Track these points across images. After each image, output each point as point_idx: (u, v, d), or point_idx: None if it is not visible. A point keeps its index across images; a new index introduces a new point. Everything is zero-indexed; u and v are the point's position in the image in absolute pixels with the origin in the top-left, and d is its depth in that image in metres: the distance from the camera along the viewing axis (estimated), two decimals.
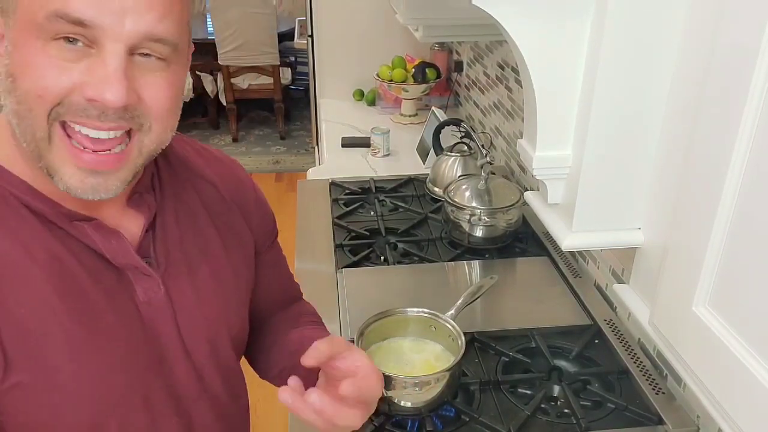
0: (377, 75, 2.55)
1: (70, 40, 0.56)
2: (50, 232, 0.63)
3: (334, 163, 2.19)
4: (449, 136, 1.95)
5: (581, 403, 1.07)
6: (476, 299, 1.18)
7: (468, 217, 1.51)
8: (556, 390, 1.11)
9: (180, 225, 0.74)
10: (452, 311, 1.11)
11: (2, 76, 0.59)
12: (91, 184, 0.60)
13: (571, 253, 1.49)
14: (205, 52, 4.57)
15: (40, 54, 0.56)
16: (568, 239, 0.90)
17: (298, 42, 3.36)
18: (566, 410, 1.06)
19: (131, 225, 0.70)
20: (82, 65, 0.57)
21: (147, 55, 0.59)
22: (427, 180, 1.86)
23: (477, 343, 1.21)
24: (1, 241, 0.60)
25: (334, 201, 1.80)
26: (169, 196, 0.74)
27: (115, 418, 0.67)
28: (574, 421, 1.03)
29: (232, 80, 4.57)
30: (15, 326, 0.59)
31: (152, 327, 0.69)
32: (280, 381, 0.91)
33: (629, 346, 1.19)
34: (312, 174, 2.08)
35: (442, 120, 1.98)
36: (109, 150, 0.60)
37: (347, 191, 1.86)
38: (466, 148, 1.81)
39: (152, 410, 0.70)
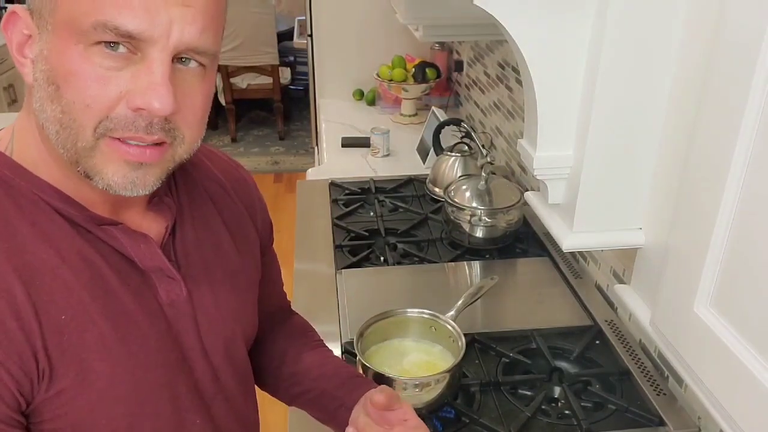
0: (377, 75, 2.55)
1: (111, 45, 0.56)
2: (80, 236, 0.64)
3: (333, 164, 2.18)
4: (449, 136, 1.95)
5: (582, 404, 1.06)
6: (476, 300, 1.17)
7: (468, 217, 1.51)
8: (557, 391, 1.10)
9: (196, 227, 0.75)
10: (452, 312, 1.10)
11: (42, 83, 0.58)
12: (131, 178, 0.60)
13: (572, 253, 1.49)
14: None
15: (84, 61, 0.56)
16: (568, 240, 0.90)
17: (298, 41, 3.36)
18: (567, 411, 1.06)
19: (152, 228, 0.71)
20: (127, 73, 0.57)
21: (187, 60, 0.60)
22: (427, 180, 1.85)
23: (477, 344, 1.20)
24: (38, 246, 0.61)
25: (334, 201, 1.79)
26: (184, 198, 0.75)
27: (147, 416, 0.68)
28: (575, 423, 1.03)
29: (231, 80, 4.57)
30: (58, 334, 0.60)
31: (175, 327, 0.70)
32: (299, 402, 0.91)
33: (630, 347, 1.19)
34: (311, 174, 2.07)
35: (442, 120, 1.97)
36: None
37: (347, 191, 1.85)
38: (466, 148, 1.80)
39: (179, 409, 0.71)
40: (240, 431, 0.82)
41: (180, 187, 0.75)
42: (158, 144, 0.60)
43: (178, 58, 0.59)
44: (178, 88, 0.58)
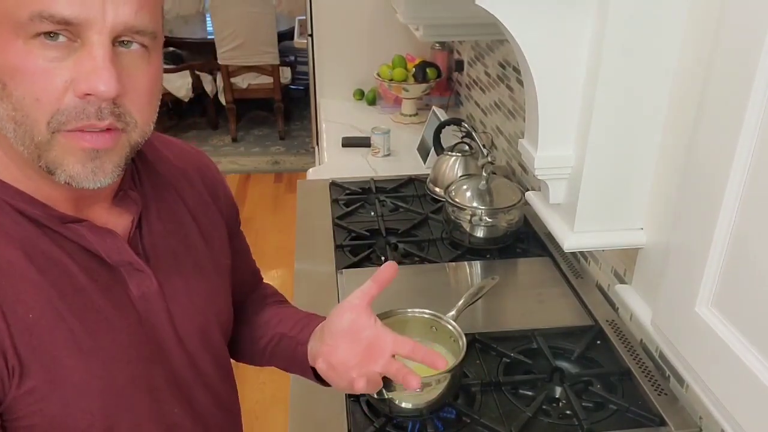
0: (377, 74, 2.55)
1: (51, 35, 0.56)
2: (46, 236, 0.64)
3: (334, 163, 2.18)
4: (450, 135, 1.95)
5: (583, 404, 1.06)
6: (477, 300, 1.17)
7: (469, 217, 1.50)
8: (558, 391, 1.10)
9: (162, 219, 0.76)
10: (453, 312, 1.10)
11: None
12: (91, 168, 0.61)
13: (573, 253, 1.49)
14: (204, 52, 4.56)
15: (26, 56, 0.56)
16: (569, 240, 0.90)
17: (298, 41, 3.35)
18: (568, 412, 1.06)
19: (118, 224, 0.71)
20: (69, 62, 0.57)
21: (128, 42, 0.60)
22: (428, 180, 1.85)
23: (478, 344, 1.20)
24: (3, 248, 0.61)
25: (335, 201, 1.79)
26: (149, 191, 0.76)
27: (125, 409, 0.68)
28: (576, 423, 1.03)
29: (232, 80, 4.57)
30: (27, 332, 0.61)
31: (148, 319, 0.71)
32: (269, 356, 0.91)
33: (631, 347, 1.18)
34: (312, 174, 2.07)
35: (442, 119, 1.97)
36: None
37: (347, 191, 1.85)
38: (467, 147, 1.80)
39: (158, 400, 0.72)
40: (222, 416, 0.83)
41: (144, 181, 0.76)
42: (111, 130, 0.60)
43: (119, 41, 0.59)
44: (122, 71, 0.59)
